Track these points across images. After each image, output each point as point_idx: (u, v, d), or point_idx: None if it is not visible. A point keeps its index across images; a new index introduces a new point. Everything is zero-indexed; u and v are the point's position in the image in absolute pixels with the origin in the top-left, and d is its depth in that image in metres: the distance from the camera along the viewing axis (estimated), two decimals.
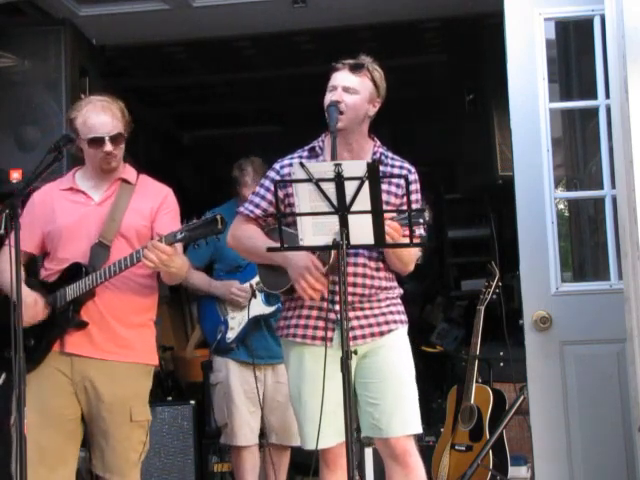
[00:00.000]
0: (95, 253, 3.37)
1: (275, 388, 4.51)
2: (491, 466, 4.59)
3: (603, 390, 3.82)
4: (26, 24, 4.75)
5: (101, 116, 3.39)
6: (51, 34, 4.68)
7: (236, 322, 4.48)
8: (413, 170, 3.43)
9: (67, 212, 3.44)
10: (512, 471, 4.71)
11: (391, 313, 3.37)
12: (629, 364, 3.47)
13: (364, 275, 3.31)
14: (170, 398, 5.61)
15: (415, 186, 3.39)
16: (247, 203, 3.47)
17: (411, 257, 3.33)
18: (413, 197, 3.35)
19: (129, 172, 3.54)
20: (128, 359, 3.40)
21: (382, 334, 3.33)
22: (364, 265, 3.31)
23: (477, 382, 4.83)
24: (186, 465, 5.06)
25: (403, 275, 3.42)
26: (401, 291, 3.47)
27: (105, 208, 3.43)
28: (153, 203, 3.48)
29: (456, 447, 4.74)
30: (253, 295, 4.44)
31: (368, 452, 4.54)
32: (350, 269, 3.25)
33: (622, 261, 3.49)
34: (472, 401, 4.77)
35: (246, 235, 3.40)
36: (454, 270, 7.91)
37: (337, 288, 3.22)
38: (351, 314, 3.27)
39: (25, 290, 3.20)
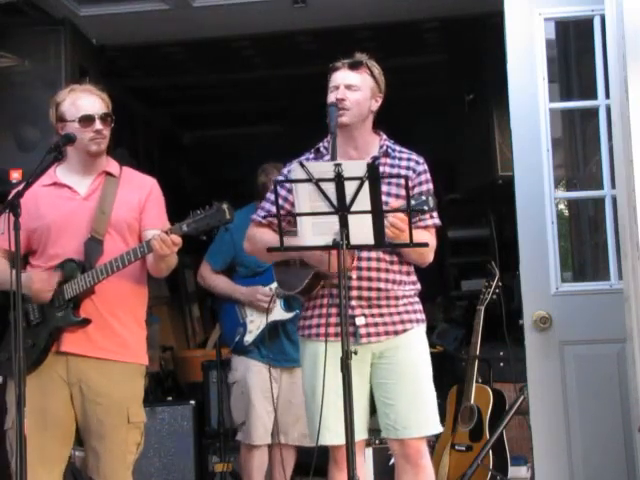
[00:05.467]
0: (89, 248, 3.33)
1: (290, 389, 4.51)
2: (491, 466, 4.59)
3: (603, 390, 3.82)
4: (26, 24, 4.74)
5: (90, 97, 3.40)
6: (51, 34, 4.68)
7: (255, 325, 4.49)
8: (421, 161, 3.43)
9: (54, 208, 3.38)
10: (512, 471, 4.71)
11: (407, 312, 3.37)
12: (629, 364, 3.47)
13: (378, 269, 3.31)
14: (170, 398, 5.62)
15: (425, 176, 3.40)
16: (259, 210, 3.50)
17: (424, 248, 3.28)
18: (424, 187, 3.37)
19: (112, 165, 3.50)
20: (125, 358, 3.36)
21: (397, 333, 3.33)
22: (378, 259, 3.31)
23: (477, 382, 4.83)
24: (186, 465, 5.08)
25: (423, 267, 3.40)
26: (419, 287, 3.45)
27: (93, 202, 3.39)
28: (140, 195, 3.45)
29: (456, 447, 4.74)
30: (272, 300, 4.46)
31: (368, 452, 4.54)
32: (364, 264, 3.29)
33: (622, 261, 3.50)
34: (472, 401, 4.77)
35: (259, 236, 3.42)
36: (454, 270, 7.91)
37: (353, 284, 3.28)
38: (367, 311, 3.30)
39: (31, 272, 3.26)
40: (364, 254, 3.28)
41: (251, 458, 4.52)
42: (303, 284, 3.31)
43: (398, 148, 3.45)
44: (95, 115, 3.36)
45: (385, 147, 3.42)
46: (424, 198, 3.18)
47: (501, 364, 5.33)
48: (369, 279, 3.30)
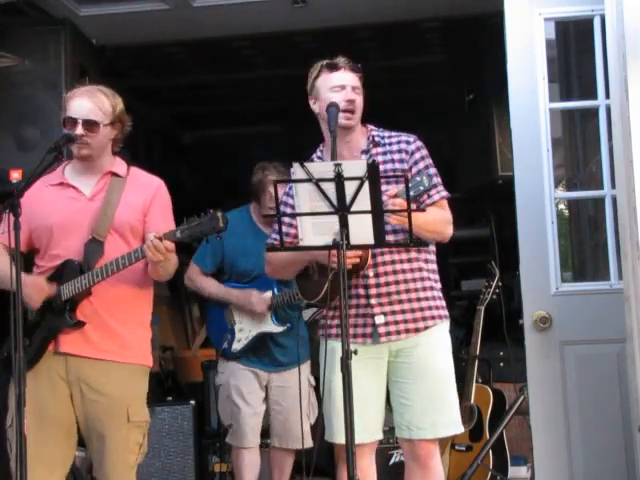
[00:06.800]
0: (89, 250, 3.30)
1: (279, 392, 4.52)
2: (491, 466, 4.59)
3: (603, 390, 3.82)
4: (26, 24, 4.74)
5: (82, 99, 3.34)
6: (51, 34, 4.68)
7: (243, 334, 4.46)
8: (412, 139, 3.37)
9: (59, 208, 3.36)
10: (512, 471, 4.72)
11: (429, 308, 3.30)
12: (629, 364, 3.47)
13: (393, 262, 3.27)
14: (170, 398, 5.62)
15: (419, 154, 3.34)
16: (271, 233, 3.47)
17: (436, 224, 3.26)
18: (421, 165, 3.31)
19: (119, 165, 3.47)
20: (125, 359, 3.33)
21: (418, 331, 3.27)
22: (391, 252, 3.27)
23: (477, 382, 4.83)
24: (186, 465, 5.08)
25: (446, 242, 3.33)
26: (438, 278, 3.39)
27: (97, 203, 3.36)
28: (145, 196, 3.41)
29: (456, 447, 4.75)
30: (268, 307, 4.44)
31: None
32: (379, 258, 3.26)
33: (622, 261, 3.50)
34: (472, 401, 4.77)
35: (274, 257, 3.37)
36: (454, 270, 7.91)
37: (371, 282, 3.26)
38: (387, 309, 3.26)
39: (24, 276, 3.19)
40: (377, 249, 3.23)
41: (241, 459, 4.51)
42: (323, 291, 3.26)
43: (387, 134, 3.41)
44: (78, 119, 3.31)
45: (372, 137, 3.39)
46: (418, 179, 3.11)
47: (501, 364, 5.33)
48: (386, 273, 3.26)
